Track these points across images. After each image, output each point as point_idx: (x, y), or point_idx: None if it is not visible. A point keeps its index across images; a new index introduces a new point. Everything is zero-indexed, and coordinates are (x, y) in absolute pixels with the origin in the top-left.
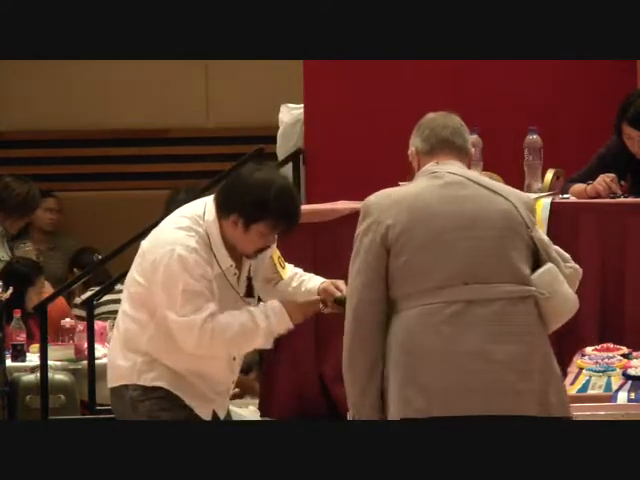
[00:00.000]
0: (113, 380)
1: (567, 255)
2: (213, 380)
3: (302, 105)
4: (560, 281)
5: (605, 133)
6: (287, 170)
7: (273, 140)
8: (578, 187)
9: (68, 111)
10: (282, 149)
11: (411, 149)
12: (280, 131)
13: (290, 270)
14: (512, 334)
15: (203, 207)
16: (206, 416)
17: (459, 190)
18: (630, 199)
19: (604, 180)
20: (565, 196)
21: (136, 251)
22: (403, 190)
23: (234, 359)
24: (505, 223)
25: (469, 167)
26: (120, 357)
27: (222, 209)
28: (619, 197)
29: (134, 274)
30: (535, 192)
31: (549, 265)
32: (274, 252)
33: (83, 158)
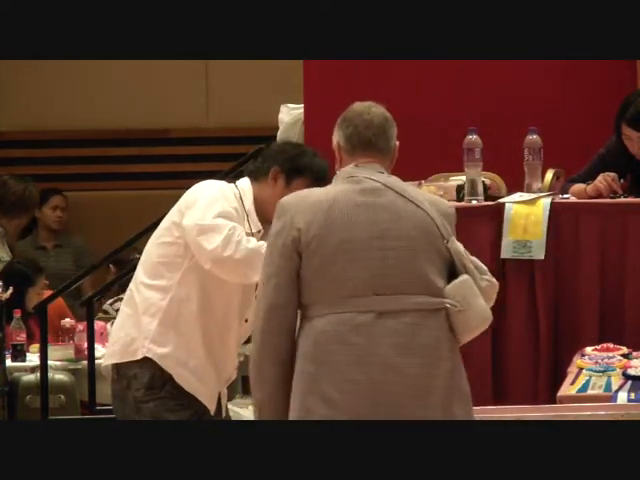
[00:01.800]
0: (114, 355)
1: (484, 267)
2: (219, 359)
3: (302, 105)
4: (474, 293)
5: (605, 133)
6: None
7: (273, 140)
8: (578, 187)
9: (68, 111)
10: None
11: (334, 142)
12: (280, 131)
13: None
14: (421, 347)
15: (234, 183)
16: (210, 401)
17: (375, 197)
18: (630, 199)
19: (605, 179)
20: (565, 196)
21: (137, 251)
22: (320, 193)
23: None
24: (419, 233)
25: (392, 163)
26: (132, 326)
27: (261, 168)
28: (619, 197)
29: (162, 227)
30: (535, 192)
31: (464, 277)
32: None
33: (83, 158)
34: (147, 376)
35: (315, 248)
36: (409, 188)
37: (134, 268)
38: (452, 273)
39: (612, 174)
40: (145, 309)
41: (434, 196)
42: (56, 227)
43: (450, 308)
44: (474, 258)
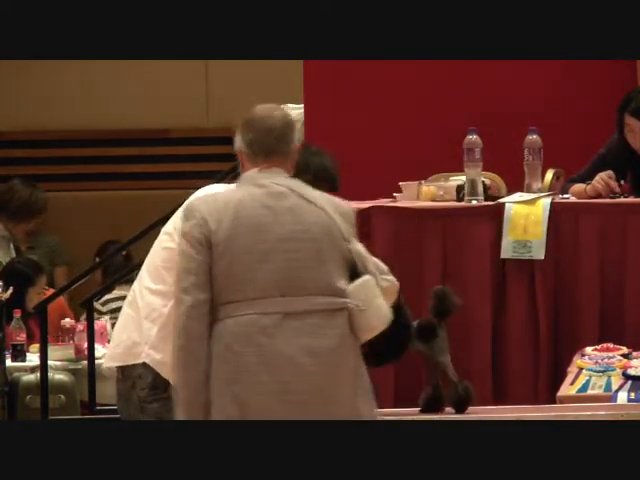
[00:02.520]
0: (117, 358)
1: (385, 267)
2: None
3: (302, 105)
4: (375, 294)
5: (605, 133)
6: None
7: None
8: (578, 187)
9: (68, 111)
10: None
11: (236, 146)
12: None
13: None
14: (326, 347)
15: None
16: None
17: (280, 201)
18: (630, 199)
19: (602, 178)
20: (565, 196)
21: (137, 250)
22: (227, 195)
23: None
24: (323, 236)
25: (292, 165)
26: (134, 329)
27: None
28: (619, 197)
29: (165, 231)
30: (535, 192)
31: (366, 277)
32: None
33: (83, 158)
34: (151, 377)
35: (223, 250)
36: (310, 191)
37: (124, 267)
38: (354, 273)
39: (608, 172)
40: (147, 314)
41: (334, 198)
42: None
43: (352, 308)
44: (375, 259)
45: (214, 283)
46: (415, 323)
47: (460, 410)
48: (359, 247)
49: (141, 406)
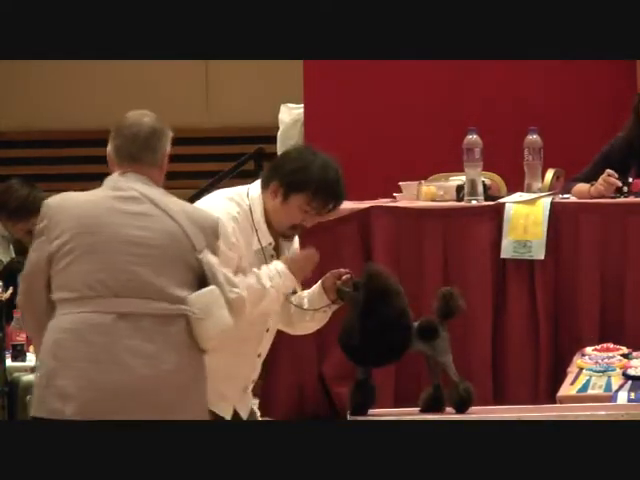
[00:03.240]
0: None
1: (235, 280)
2: (232, 376)
3: (302, 105)
4: (220, 304)
5: (605, 133)
6: None
7: (273, 140)
8: (581, 187)
9: (68, 111)
10: (282, 149)
11: (107, 150)
12: (280, 131)
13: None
14: (157, 350)
15: (247, 188)
16: (226, 414)
17: (133, 206)
18: (630, 199)
19: (604, 180)
20: (565, 196)
21: None
22: (82, 196)
23: (258, 356)
24: (167, 243)
25: (162, 171)
26: None
27: (265, 179)
28: (619, 197)
29: None
30: (535, 192)
31: (210, 287)
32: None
33: (83, 158)
34: None
35: (68, 249)
36: (167, 200)
37: None
38: (203, 283)
39: (610, 171)
40: None
41: (197, 208)
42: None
43: (190, 315)
44: (226, 271)
45: (53, 279)
46: (416, 324)
47: (461, 411)
48: (211, 259)
49: None
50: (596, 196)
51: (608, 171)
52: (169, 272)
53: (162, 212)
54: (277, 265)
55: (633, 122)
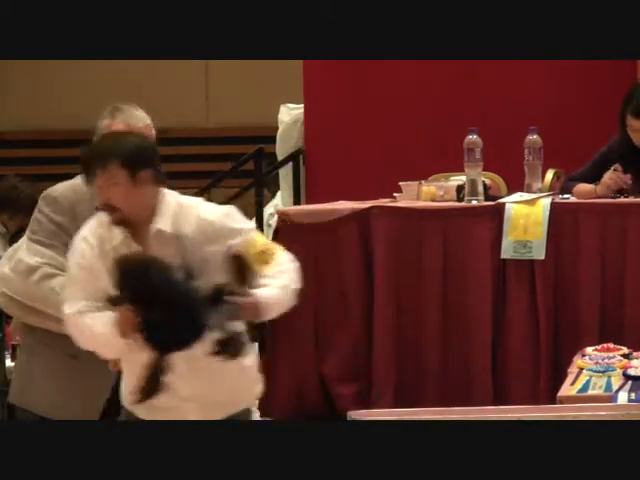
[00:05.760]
0: None
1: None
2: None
3: (302, 105)
4: None
5: (605, 133)
6: (287, 170)
7: (273, 140)
8: (585, 187)
9: (68, 111)
10: (282, 149)
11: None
12: (280, 131)
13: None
14: None
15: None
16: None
17: None
18: (630, 199)
19: (612, 176)
20: (565, 196)
21: None
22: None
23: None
24: None
25: None
26: None
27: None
28: (619, 197)
29: None
30: (535, 192)
31: None
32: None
33: None
34: None
35: None
36: None
37: None
38: None
39: (616, 166)
40: None
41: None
42: None
43: None
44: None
45: None
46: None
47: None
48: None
49: None
50: (603, 194)
51: (616, 166)
52: None
53: None
54: (110, 314)
55: (620, 128)
